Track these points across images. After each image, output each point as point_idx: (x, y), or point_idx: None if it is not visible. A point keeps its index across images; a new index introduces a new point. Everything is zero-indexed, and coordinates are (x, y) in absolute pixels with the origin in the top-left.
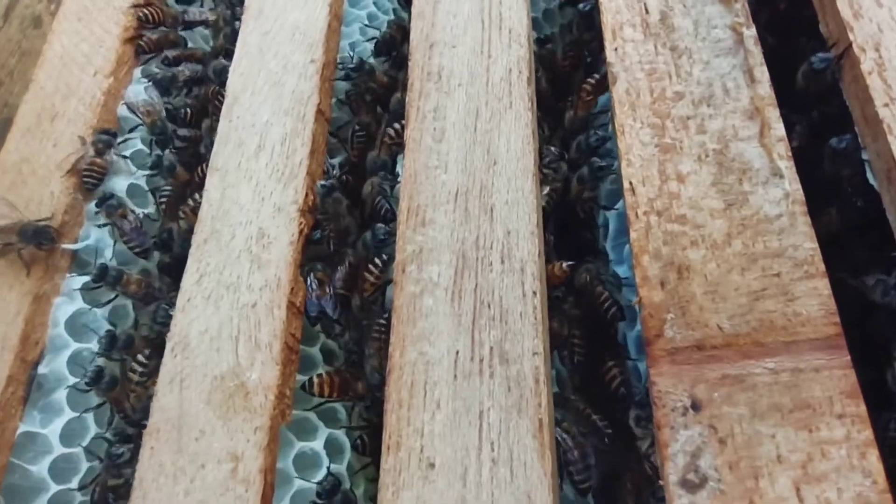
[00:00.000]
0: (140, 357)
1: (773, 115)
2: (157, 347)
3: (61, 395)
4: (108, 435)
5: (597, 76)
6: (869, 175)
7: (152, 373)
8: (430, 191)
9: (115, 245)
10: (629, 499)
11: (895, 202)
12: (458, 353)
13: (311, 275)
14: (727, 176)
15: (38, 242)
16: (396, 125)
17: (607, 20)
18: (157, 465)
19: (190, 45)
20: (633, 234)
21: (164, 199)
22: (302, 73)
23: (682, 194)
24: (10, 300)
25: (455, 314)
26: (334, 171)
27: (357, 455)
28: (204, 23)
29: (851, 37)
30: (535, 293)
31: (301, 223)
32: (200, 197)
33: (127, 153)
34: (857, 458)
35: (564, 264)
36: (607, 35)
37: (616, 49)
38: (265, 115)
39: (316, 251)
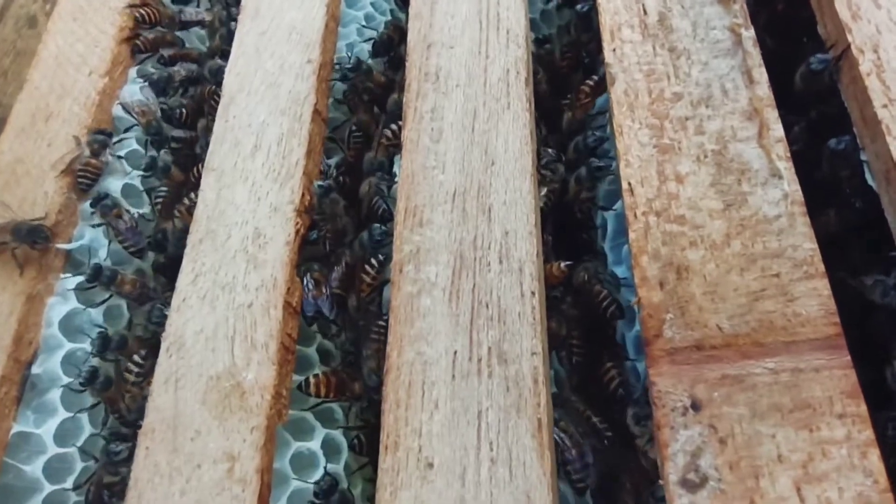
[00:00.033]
0: (136, 357)
1: (772, 115)
2: (152, 347)
3: (55, 395)
4: (104, 433)
5: (595, 77)
6: (868, 176)
7: (148, 373)
8: (428, 191)
9: (109, 245)
10: (629, 499)
11: (894, 203)
12: (456, 353)
13: (308, 275)
14: (726, 176)
15: (32, 241)
16: (393, 126)
17: (605, 21)
18: (152, 466)
19: (186, 45)
20: (631, 235)
21: (159, 200)
22: (299, 74)
23: (680, 195)
24: (3, 300)
25: (453, 314)
26: (331, 172)
27: (354, 455)
28: (200, 23)
29: (850, 38)
30: (533, 293)
31: (297, 223)
32: (196, 197)
33: (122, 153)
34: (858, 457)
35: (563, 264)
36: (605, 36)
37: (614, 50)
38: (262, 115)
39: (312, 251)
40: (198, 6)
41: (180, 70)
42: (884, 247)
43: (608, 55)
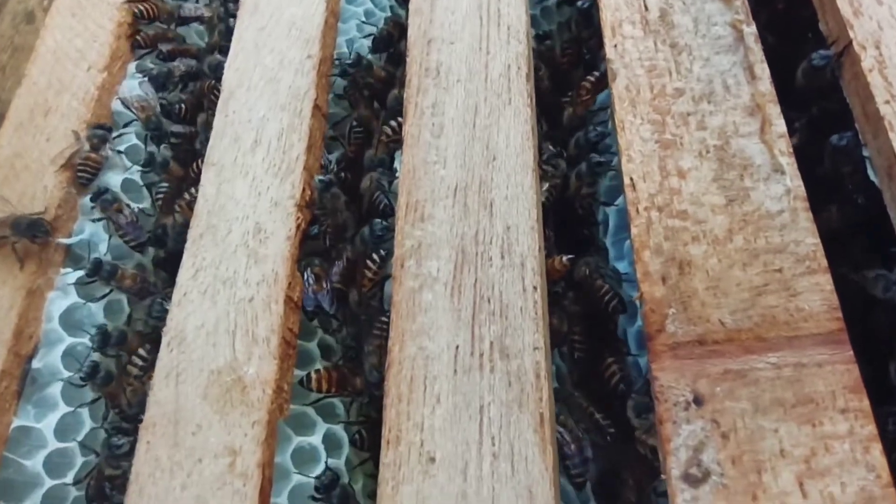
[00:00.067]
0: (141, 351)
1: (774, 111)
2: (156, 342)
3: (55, 389)
4: (106, 426)
5: (596, 74)
6: (870, 172)
7: (150, 368)
8: (429, 186)
9: (109, 240)
10: (631, 495)
11: None
12: (458, 347)
13: (308, 270)
14: (728, 172)
15: (32, 235)
16: (393, 123)
17: (606, 17)
18: (153, 460)
19: (186, 41)
20: (633, 230)
21: (160, 196)
22: (298, 69)
23: (683, 190)
24: (3, 294)
25: (455, 309)
26: (332, 167)
27: (355, 450)
28: (199, 19)
29: (852, 34)
30: (535, 288)
31: (298, 218)
32: (196, 192)
33: (121, 148)
34: (861, 452)
35: (564, 258)
36: (606, 32)
37: (615, 46)
38: (261, 110)
39: (313, 247)
40: (197, 2)
41: (179, 65)
42: (887, 243)
43: (609, 51)
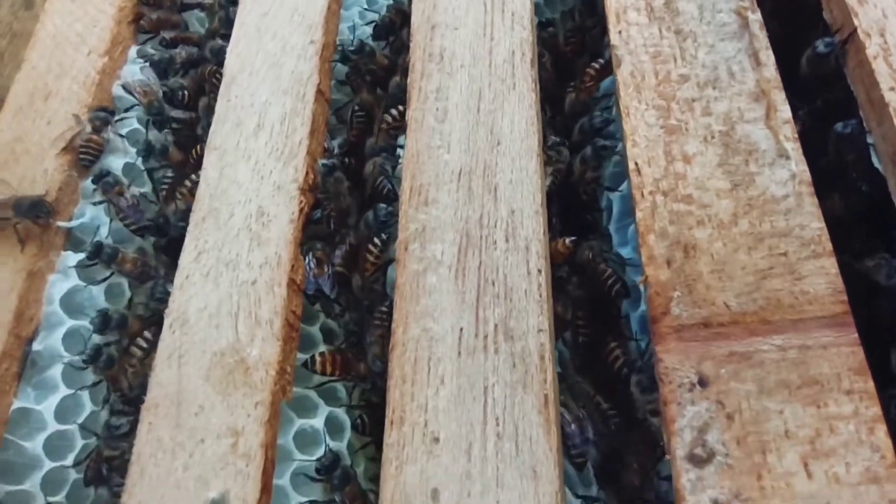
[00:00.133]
0: (146, 333)
1: (779, 97)
2: (158, 325)
3: (56, 371)
4: (107, 408)
5: (601, 60)
6: (874, 159)
7: (152, 350)
8: (433, 170)
9: (110, 223)
10: (634, 478)
11: None
12: (462, 329)
13: (310, 254)
14: (733, 157)
15: (34, 216)
16: (394, 110)
17: (611, 4)
18: (155, 441)
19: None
20: (638, 214)
21: (165, 186)
22: (301, 55)
23: (688, 175)
24: (3, 276)
25: (459, 291)
26: (336, 152)
27: (357, 434)
28: (200, 5)
29: (856, 22)
30: (539, 271)
31: (301, 201)
32: (197, 177)
33: (123, 132)
34: (866, 433)
35: (567, 240)
36: (611, 18)
37: (620, 32)
38: (264, 94)
39: (316, 231)
40: None
41: (181, 52)
42: (890, 230)
43: (614, 37)
